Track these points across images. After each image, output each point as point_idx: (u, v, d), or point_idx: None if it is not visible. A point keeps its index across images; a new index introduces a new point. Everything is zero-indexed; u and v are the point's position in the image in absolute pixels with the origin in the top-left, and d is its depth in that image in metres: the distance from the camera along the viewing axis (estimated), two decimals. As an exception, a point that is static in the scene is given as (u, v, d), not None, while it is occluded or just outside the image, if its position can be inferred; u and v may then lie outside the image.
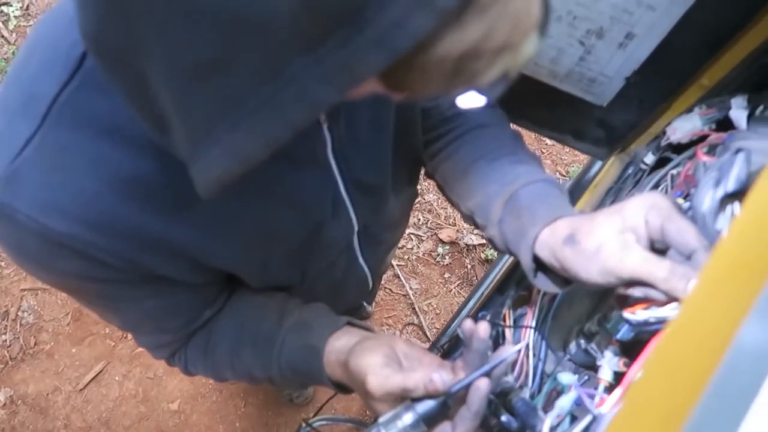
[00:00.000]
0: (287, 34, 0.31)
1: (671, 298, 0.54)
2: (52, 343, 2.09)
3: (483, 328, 0.60)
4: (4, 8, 2.69)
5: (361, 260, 0.89)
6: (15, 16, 2.68)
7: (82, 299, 0.68)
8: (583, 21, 0.81)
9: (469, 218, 0.80)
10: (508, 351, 0.59)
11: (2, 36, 2.64)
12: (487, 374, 0.58)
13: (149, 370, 2.06)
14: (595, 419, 0.49)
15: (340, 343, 0.71)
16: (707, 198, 0.48)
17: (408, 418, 0.57)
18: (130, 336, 2.13)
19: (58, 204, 0.52)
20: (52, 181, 0.52)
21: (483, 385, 0.57)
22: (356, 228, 0.79)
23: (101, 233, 0.55)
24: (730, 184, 0.41)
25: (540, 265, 0.69)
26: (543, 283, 0.70)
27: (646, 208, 0.56)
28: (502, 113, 0.87)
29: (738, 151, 0.41)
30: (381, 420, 0.58)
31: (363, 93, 0.41)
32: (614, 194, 0.99)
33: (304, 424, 0.76)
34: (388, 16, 0.29)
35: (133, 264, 0.59)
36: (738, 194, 0.41)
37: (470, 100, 0.46)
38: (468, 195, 0.79)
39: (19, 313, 2.12)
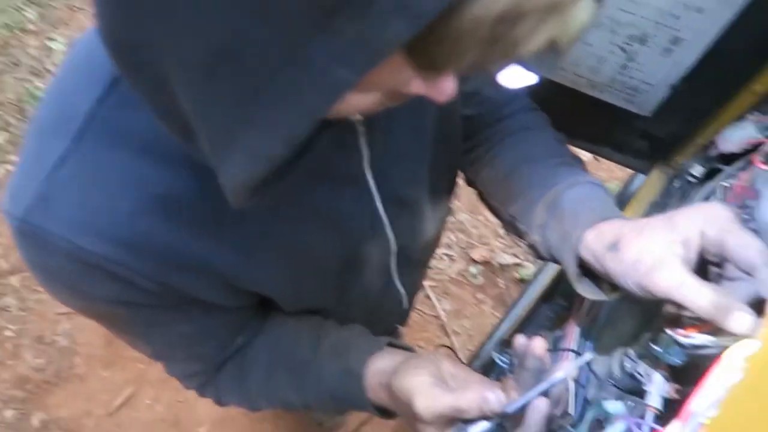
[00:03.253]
0: (297, 9, 0.28)
1: None
2: (84, 367, 2.09)
3: (538, 345, 0.56)
4: (48, 42, 2.79)
5: (397, 282, 0.86)
6: (60, 51, 2.77)
7: (113, 326, 0.66)
8: (625, 27, 0.77)
9: (511, 225, 0.77)
10: (566, 368, 0.54)
11: (45, 68, 2.73)
12: (545, 394, 0.53)
13: (179, 393, 2.04)
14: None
15: (382, 364, 0.67)
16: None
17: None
18: (160, 358, 2.13)
19: (93, 224, 0.51)
20: (87, 201, 0.50)
21: (543, 405, 0.53)
22: (393, 248, 0.76)
23: (136, 254, 0.53)
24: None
25: (585, 271, 0.64)
26: (587, 290, 0.65)
27: (702, 219, 0.52)
28: (544, 116, 0.83)
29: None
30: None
31: (391, 82, 0.38)
32: (660, 208, 0.94)
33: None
34: None
35: (166, 286, 0.57)
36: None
37: (517, 78, 0.41)
38: (509, 200, 0.75)
39: (54, 337, 2.13)
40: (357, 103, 0.39)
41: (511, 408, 0.53)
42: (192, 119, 0.37)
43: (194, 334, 0.68)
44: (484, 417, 0.53)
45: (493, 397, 0.53)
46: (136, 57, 0.37)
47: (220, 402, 0.79)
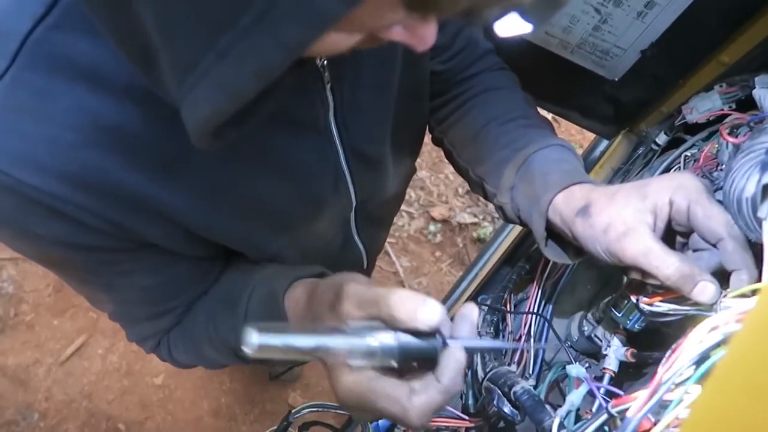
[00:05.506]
0: None
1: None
2: (32, 315, 2.03)
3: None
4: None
5: (356, 238, 0.85)
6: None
7: (70, 276, 0.62)
8: (600, -12, 0.76)
9: (478, 185, 0.76)
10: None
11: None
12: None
13: (132, 344, 2.01)
14: (610, 418, 0.46)
15: (303, 286, 0.59)
16: (751, 183, 0.43)
17: (386, 337, 0.42)
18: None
19: (32, 155, 0.47)
20: (24, 129, 0.46)
21: (460, 354, 0.45)
22: (354, 204, 0.74)
23: (84, 190, 0.49)
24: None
25: (550, 234, 0.65)
26: (553, 253, 0.66)
27: (672, 188, 0.52)
28: (514, 77, 0.82)
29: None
30: (349, 327, 0.43)
31: (376, 22, 0.35)
32: (623, 175, 0.95)
33: (292, 411, 0.72)
34: None
35: (120, 228, 0.53)
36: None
37: (513, 27, 0.39)
38: (478, 160, 0.74)
39: (-1, 283, 2.06)
40: (334, 43, 0.36)
41: (445, 329, 0.44)
42: (155, 45, 0.34)
43: (160, 286, 0.65)
44: (414, 330, 0.43)
45: (434, 304, 0.43)
46: None
47: (171, 358, 0.76)
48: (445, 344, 0.44)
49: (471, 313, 0.47)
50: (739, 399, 0.19)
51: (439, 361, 0.44)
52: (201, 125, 0.34)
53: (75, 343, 2.01)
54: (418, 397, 0.44)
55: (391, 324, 0.43)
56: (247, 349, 0.39)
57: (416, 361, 0.44)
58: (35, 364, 1.97)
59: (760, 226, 0.41)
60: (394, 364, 0.42)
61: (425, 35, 0.37)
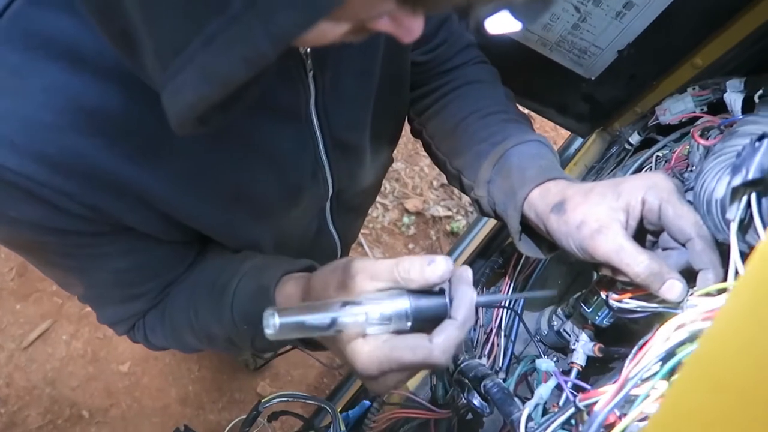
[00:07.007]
0: None
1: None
2: (-6, 299, 1.98)
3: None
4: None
5: (331, 227, 0.84)
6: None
7: (40, 259, 0.60)
8: (580, -14, 0.76)
9: (455, 178, 0.76)
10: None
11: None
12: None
13: (98, 330, 1.98)
14: (578, 411, 0.46)
15: (294, 281, 0.59)
16: (721, 186, 0.44)
17: (400, 301, 0.45)
18: (79, 294, 2.04)
19: (7, 135, 0.45)
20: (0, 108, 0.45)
21: (472, 293, 0.48)
22: (331, 192, 0.74)
23: (59, 173, 0.48)
24: (752, 172, 0.37)
25: (525, 228, 0.65)
26: (527, 248, 0.67)
27: (646, 187, 0.53)
28: (495, 70, 0.82)
29: (763, 137, 0.37)
30: (365, 297, 0.46)
31: (368, 11, 0.34)
32: (596, 173, 0.96)
33: (262, 400, 0.71)
34: None
35: (98, 212, 0.52)
36: (757, 183, 0.38)
37: (503, 25, 0.39)
38: (456, 153, 0.74)
39: (-41, 266, 2.00)
40: (322, 33, 0.35)
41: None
42: (137, 28, 0.33)
43: (135, 269, 0.64)
44: (426, 288, 0.46)
45: (442, 259, 0.45)
46: None
47: (147, 342, 0.74)
48: (451, 300, 0.48)
49: (467, 273, 0.50)
50: (708, 395, 0.19)
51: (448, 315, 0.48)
52: (184, 112, 0.33)
53: (39, 328, 1.96)
54: (438, 336, 0.47)
55: (406, 285, 0.46)
56: (269, 331, 0.42)
57: (427, 319, 0.47)
58: (-3, 350, 1.92)
59: (728, 227, 0.42)
60: (408, 324, 0.46)
61: (412, 27, 0.37)
